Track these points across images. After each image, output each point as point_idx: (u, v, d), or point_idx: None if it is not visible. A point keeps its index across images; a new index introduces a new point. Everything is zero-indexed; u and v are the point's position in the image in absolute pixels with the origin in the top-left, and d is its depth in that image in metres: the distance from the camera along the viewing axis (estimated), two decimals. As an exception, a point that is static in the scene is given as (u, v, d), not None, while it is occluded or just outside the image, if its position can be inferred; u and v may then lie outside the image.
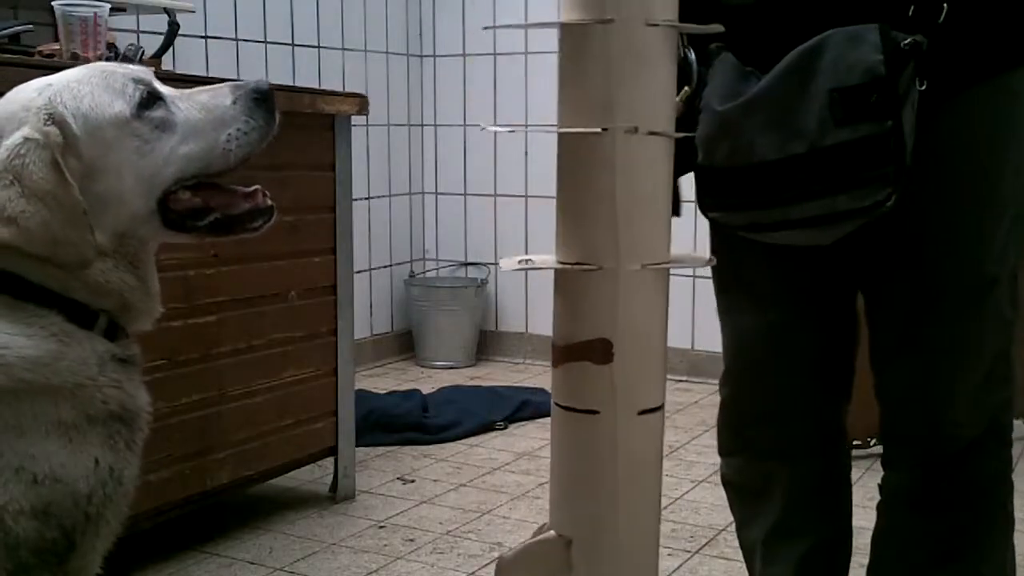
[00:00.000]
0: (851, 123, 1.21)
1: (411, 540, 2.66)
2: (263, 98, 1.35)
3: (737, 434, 1.60)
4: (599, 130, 1.08)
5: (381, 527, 2.75)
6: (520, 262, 1.16)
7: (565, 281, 1.14)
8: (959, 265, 1.34)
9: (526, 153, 4.70)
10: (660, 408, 1.14)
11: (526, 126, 4.70)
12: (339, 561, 2.52)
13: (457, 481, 3.13)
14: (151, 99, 1.29)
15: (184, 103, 1.32)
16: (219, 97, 1.33)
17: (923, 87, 1.21)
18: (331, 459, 2.91)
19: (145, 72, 1.33)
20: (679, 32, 1.16)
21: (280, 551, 2.57)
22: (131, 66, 1.36)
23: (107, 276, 1.27)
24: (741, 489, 1.62)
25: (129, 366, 1.30)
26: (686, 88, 1.27)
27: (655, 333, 1.13)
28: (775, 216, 1.30)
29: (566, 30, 1.09)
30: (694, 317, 4.30)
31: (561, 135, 1.11)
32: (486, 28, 1.45)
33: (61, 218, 1.20)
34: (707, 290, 4.63)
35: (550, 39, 4.88)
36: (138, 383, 1.32)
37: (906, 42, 1.20)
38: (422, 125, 4.88)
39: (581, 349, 1.11)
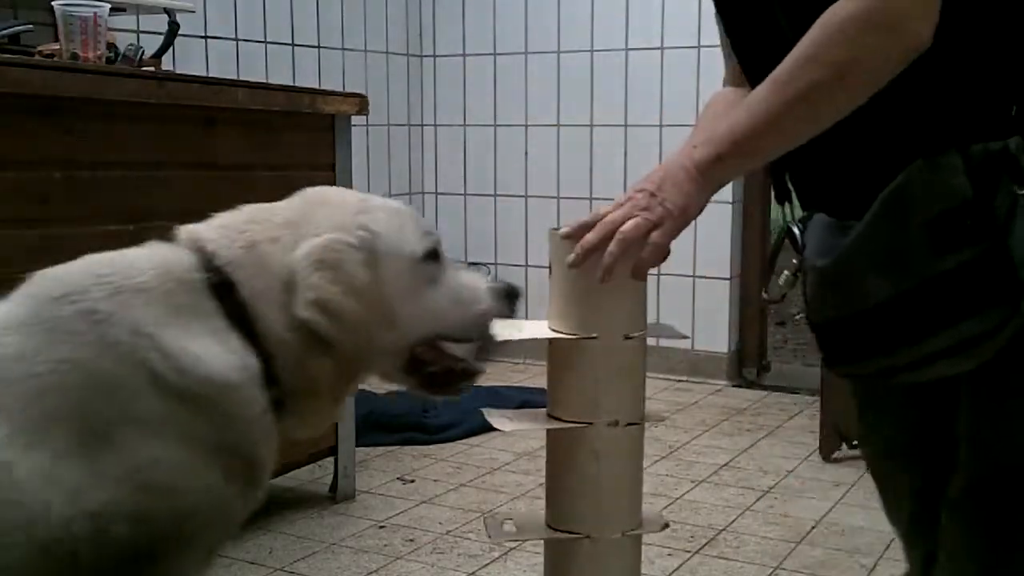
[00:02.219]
0: (951, 251, 1.19)
1: (411, 540, 2.66)
2: (513, 296, 1.46)
3: (864, 424, 1.56)
4: (585, 424, 1.29)
5: (381, 527, 2.75)
6: (504, 522, 1.40)
7: (554, 545, 1.35)
8: None
9: (526, 153, 4.70)
10: None
11: (525, 125, 4.69)
12: (339, 561, 2.52)
13: (457, 481, 3.13)
14: (435, 254, 1.38)
15: (451, 271, 1.42)
16: (478, 279, 1.44)
17: (1022, 191, 1.18)
18: (331, 459, 2.91)
19: (435, 230, 1.43)
20: (784, 209, 1.39)
21: (280, 551, 2.56)
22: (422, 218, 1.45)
23: (321, 373, 1.30)
24: (877, 480, 1.58)
25: (277, 432, 1.34)
26: (793, 261, 1.36)
27: None
28: (903, 358, 1.27)
29: (555, 343, 1.32)
30: (694, 317, 4.30)
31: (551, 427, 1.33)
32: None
33: (371, 315, 1.28)
34: (707, 291, 4.61)
35: (550, 39, 4.88)
36: (275, 447, 1.34)
37: (996, 150, 1.18)
38: (422, 125, 4.88)
39: None
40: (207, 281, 1.26)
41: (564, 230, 1.31)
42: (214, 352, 1.22)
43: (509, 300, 1.44)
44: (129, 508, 1.15)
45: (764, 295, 1.46)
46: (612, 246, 1.26)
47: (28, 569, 1.12)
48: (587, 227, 1.30)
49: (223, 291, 1.26)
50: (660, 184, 1.29)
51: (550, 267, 1.34)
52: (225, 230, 1.32)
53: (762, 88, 1.25)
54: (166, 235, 1.33)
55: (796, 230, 1.38)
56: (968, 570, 1.39)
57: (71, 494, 1.13)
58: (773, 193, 1.46)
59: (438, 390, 1.42)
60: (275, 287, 1.28)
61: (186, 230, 1.33)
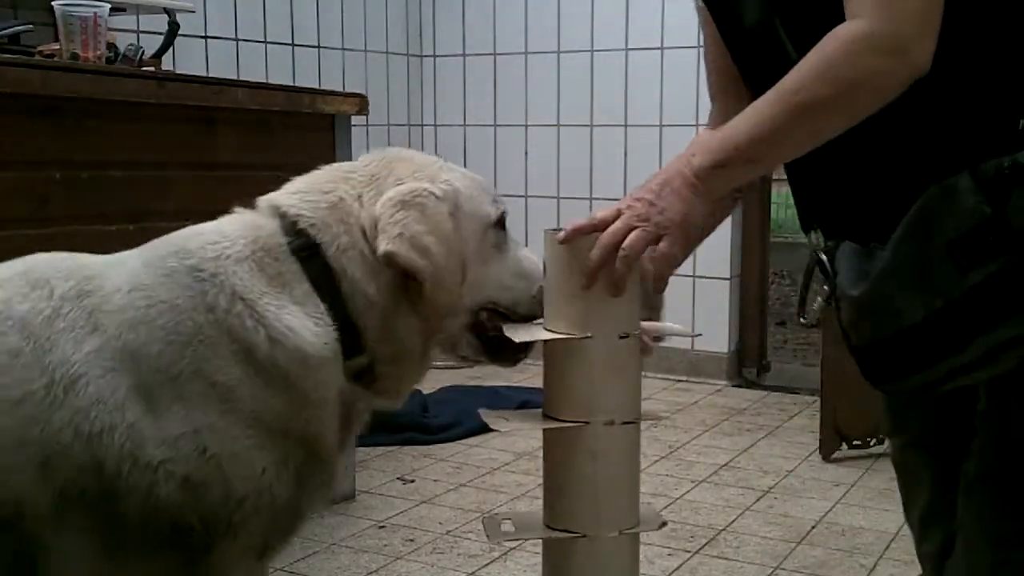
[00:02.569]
0: (977, 266, 1.22)
1: (411, 540, 2.66)
2: None
3: (891, 417, 1.60)
4: (582, 423, 1.29)
5: (381, 527, 2.75)
6: (502, 522, 1.41)
7: (552, 544, 1.35)
8: None
9: (526, 153, 4.70)
10: None
11: (525, 125, 4.70)
12: (339, 561, 2.52)
13: (457, 481, 3.13)
14: (503, 221, 1.42)
15: (514, 245, 1.45)
16: (536, 258, 1.46)
17: None
18: (331, 459, 2.91)
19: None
20: (814, 240, 1.39)
21: (280, 551, 2.57)
22: None
23: (408, 332, 1.33)
24: (899, 469, 1.62)
25: (350, 421, 1.34)
26: (824, 287, 1.38)
27: None
28: (941, 371, 1.30)
29: (550, 342, 1.31)
30: (694, 318, 4.30)
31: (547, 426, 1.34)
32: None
33: (452, 262, 1.31)
34: (707, 291, 4.60)
35: (550, 39, 4.87)
36: (344, 440, 1.34)
37: (1006, 165, 1.20)
38: (422, 125, 4.88)
39: None
40: (290, 245, 1.28)
41: (560, 234, 1.32)
42: (305, 324, 1.24)
43: None
44: (182, 471, 1.16)
45: (801, 320, 1.48)
46: (618, 263, 1.28)
47: (80, 496, 1.14)
48: (581, 231, 1.31)
49: (308, 254, 1.29)
50: (659, 192, 1.30)
51: (544, 267, 1.34)
52: (305, 193, 1.34)
53: (765, 98, 1.26)
54: (249, 206, 1.35)
55: (824, 258, 1.40)
56: (983, 557, 1.41)
57: (133, 433, 1.15)
58: (799, 222, 1.48)
59: (497, 356, 1.45)
60: (360, 242, 1.30)
61: (265, 199, 1.35)
